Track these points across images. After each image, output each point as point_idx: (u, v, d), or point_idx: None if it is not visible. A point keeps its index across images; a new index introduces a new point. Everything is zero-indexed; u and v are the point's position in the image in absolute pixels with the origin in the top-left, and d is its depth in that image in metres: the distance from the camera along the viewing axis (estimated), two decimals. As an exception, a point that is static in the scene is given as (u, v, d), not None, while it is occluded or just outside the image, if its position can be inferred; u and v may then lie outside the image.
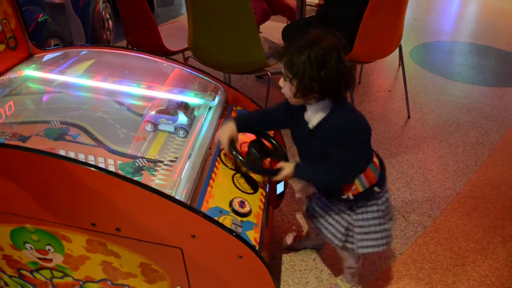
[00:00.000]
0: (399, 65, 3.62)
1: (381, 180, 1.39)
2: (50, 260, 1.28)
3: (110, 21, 3.22)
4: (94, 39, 3.02)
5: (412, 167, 2.42)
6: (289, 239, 1.87)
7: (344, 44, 1.23)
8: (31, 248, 1.25)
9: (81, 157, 1.30)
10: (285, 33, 2.75)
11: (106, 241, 1.18)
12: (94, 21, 2.97)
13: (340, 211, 1.42)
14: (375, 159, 1.37)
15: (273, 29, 4.05)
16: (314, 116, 1.28)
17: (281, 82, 1.27)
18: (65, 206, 1.15)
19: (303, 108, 1.31)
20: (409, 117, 2.89)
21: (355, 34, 2.31)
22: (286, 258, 1.85)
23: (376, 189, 1.37)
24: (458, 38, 4.51)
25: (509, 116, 2.97)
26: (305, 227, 1.96)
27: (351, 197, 1.36)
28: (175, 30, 2.89)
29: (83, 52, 1.80)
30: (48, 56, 1.76)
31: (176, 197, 1.15)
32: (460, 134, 2.74)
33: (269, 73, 2.33)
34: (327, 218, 1.45)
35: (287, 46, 1.24)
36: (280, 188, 1.67)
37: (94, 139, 1.38)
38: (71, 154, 1.30)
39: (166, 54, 2.52)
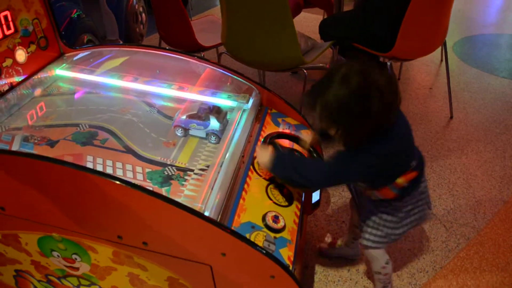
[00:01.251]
0: (441, 60, 3.43)
1: (405, 195, 1.28)
2: (77, 269, 1.25)
3: (143, 14, 3.18)
4: (128, 33, 2.99)
5: (455, 172, 2.27)
6: (323, 245, 1.79)
7: (375, 63, 1.09)
8: (58, 256, 1.23)
9: (109, 163, 1.25)
10: (323, 27, 2.63)
11: (133, 254, 1.14)
12: (128, 15, 2.94)
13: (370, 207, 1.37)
14: (400, 180, 1.23)
15: (308, 22, 3.92)
16: None
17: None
18: (91, 218, 1.10)
19: None
20: (451, 117, 2.72)
21: (398, 28, 2.17)
22: (319, 267, 1.77)
23: (395, 203, 1.30)
24: (504, 30, 4.23)
25: None
26: (340, 234, 1.87)
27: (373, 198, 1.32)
28: (208, 24, 2.82)
29: (114, 51, 1.76)
30: (79, 55, 1.72)
31: (206, 213, 1.08)
32: (508, 136, 2.55)
33: (305, 71, 2.23)
34: (364, 207, 1.40)
35: (313, 94, 1.09)
36: (316, 196, 1.58)
37: (123, 144, 1.34)
38: (99, 161, 1.26)
39: (199, 49, 2.46)
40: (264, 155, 1.25)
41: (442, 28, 2.32)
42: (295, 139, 1.45)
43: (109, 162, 1.25)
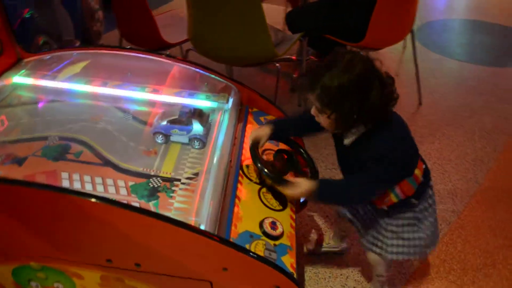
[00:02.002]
0: (404, 47, 3.48)
1: (421, 191, 1.27)
2: (60, 297, 1.14)
3: (100, 12, 3.00)
4: (85, 32, 2.80)
5: (430, 158, 2.30)
6: (310, 244, 1.75)
7: (373, 59, 1.09)
8: (37, 285, 1.12)
9: (87, 179, 1.15)
10: (291, 18, 2.58)
11: (124, 276, 1.05)
12: (83, 13, 2.76)
13: (372, 213, 1.35)
14: (417, 171, 1.24)
15: (270, 14, 3.85)
16: (348, 136, 1.16)
17: (314, 112, 1.13)
18: (76, 242, 1.00)
19: None
20: (420, 103, 2.76)
21: (369, 17, 2.16)
22: (308, 265, 1.73)
23: (413, 200, 1.28)
24: (460, 15, 4.36)
25: (523, 98, 2.87)
26: (324, 229, 1.85)
27: (385, 208, 1.28)
28: (170, 19, 2.69)
29: (77, 54, 1.62)
30: (39, 59, 1.57)
31: (201, 226, 1.01)
32: (475, 119, 2.63)
33: (277, 65, 2.17)
34: (359, 217, 1.39)
35: (314, 76, 1.08)
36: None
37: (100, 156, 1.23)
38: (75, 177, 1.15)
39: (164, 47, 2.34)
40: (299, 188, 1.16)
41: (411, 15, 2.33)
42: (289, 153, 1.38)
43: (87, 178, 1.15)
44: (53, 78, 1.51)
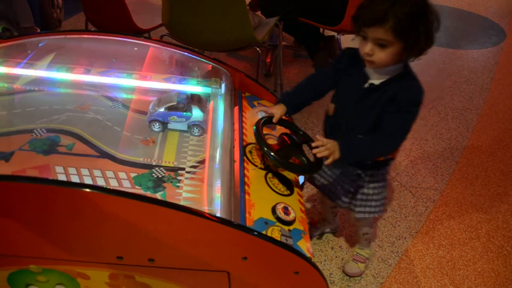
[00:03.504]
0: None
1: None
2: (60, 300, 1.05)
3: (59, -3, 2.81)
4: (44, 19, 2.61)
5: (408, 139, 2.35)
6: (303, 230, 1.75)
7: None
8: (35, 290, 1.02)
9: (85, 173, 1.06)
10: (266, 3, 2.53)
11: (135, 273, 0.98)
12: (42, -1, 2.57)
13: (345, 177, 1.38)
14: None
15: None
16: (380, 73, 1.16)
17: (371, 50, 1.10)
18: (83, 241, 0.92)
19: (359, 63, 1.18)
20: (393, 86, 2.81)
21: (345, 1, 2.15)
22: (302, 250, 1.72)
23: (391, 162, 1.36)
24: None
25: (487, 79, 2.99)
26: (314, 212, 1.84)
27: (369, 162, 1.33)
28: (140, 5, 2.56)
29: (52, 39, 1.49)
30: (7, 47, 1.43)
31: (217, 215, 0.96)
32: (446, 100, 2.72)
33: (258, 49, 2.13)
34: (334, 183, 1.42)
35: (378, 8, 1.05)
36: (300, 180, 1.52)
37: (94, 147, 1.14)
38: (71, 171, 1.06)
39: (137, 33, 2.22)
40: (330, 148, 1.13)
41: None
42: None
43: (84, 171, 1.06)
44: (29, 65, 1.38)
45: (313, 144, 1.14)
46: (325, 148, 1.11)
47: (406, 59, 1.14)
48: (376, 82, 1.17)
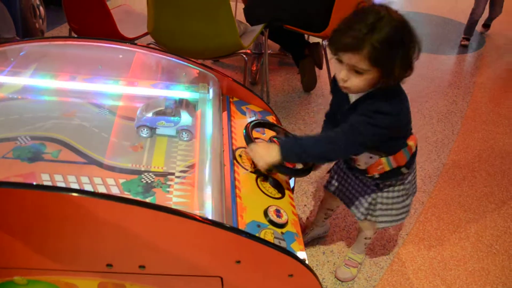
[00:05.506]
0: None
1: (411, 161, 1.32)
2: (47, 312, 1.02)
3: (41, 8, 2.77)
4: (26, 29, 2.58)
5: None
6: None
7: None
8: (21, 302, 0.98)
9: (72, 179, 1.03)
10: (250, 10, 2.54)
11: (125, 281, 0.95)
12: (24, 9, 2.53)
13: (365, 186, 1.37)
14: (411, 143, 1.27)
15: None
16: (358, 95, 1.15)
17: (346, 76, 1.06)
18: (69, 248, 0.89)
19: None
20: (379, 91, 2.84)
21: (331, 7, 2.18)
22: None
23: (404, 170, 1.32)
24: (402, 8, 4.56)
25: (469, 83, 3.05)
26: (303, 217, 1.83)
27: (377, 175, 1.31)
28: (124, 15, 2.55)
29: (34, 46, 1.46)
30: (-10, 54, 1.41)
31: (209, 218, 0.94)
32: (431, 104, 2.75)
33: (245, 56, 2.13)
34: (351, 191, 1.42)
35: (355, 35, 1.00)
36: (291, 183, 1.51)
37: (81, 154, 1.12)
38: (58, 178, 1.03)
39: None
40: (265, 151, 1.13)
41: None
42: (270, 125, 1.36)
43: (71, 178, 1.03)
44: (13, 73, 1.35)
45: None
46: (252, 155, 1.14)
47: (384, 84, 1.08)
48: (352, 100, 1.17)
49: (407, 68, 1.05)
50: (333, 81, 1.25)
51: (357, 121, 1.12)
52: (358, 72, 1.04)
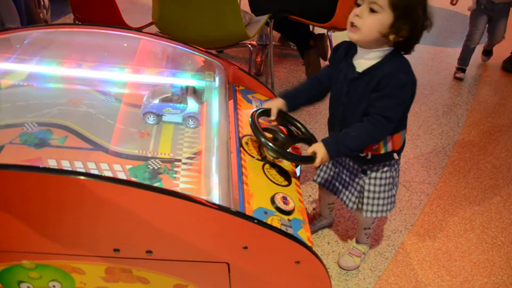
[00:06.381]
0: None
1: (402, 148, 1.33)
2: (54, 297, 1.02)
3: (45, -3, 2.77)
4: (30, 19, 2.57)
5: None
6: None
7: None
8: (28, 287, 0.99)
9: (78, 165, 1.03)
10: (255, 1, 2.52)
11: (132, 266, 0.96)
12: (28, -1, 2.53)
13: (352, 174, 1.37)
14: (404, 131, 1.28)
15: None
16: (366, 60, 1.15)
17: (360, 12, 1.09)
18: (78, 233, 0.89)
19: (351, 51, 1.19)
20: (384, 83, 2.82)
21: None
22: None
23: (395, 155, 1.32)
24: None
25: (475, 75, 3.03)
26: (309, 208, 1.83)
27: (369, 156, 1.30)
28: (129, 4, 2.53)
29: (41, 33, 1.46)
30: (-4, 41, 1.40)
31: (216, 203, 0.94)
32: (436, 96, 2.74)
33: (250, 47, 2.12)
34: (340, 180, 1.42)
35: None
36: (297, 172, 1.51)
37: (88, 140, 1.12)
38: (65, 163, 1.03)
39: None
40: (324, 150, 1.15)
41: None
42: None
43: (78, 164, 1.03)
44: (19, 60, 1.35)
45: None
46: (319, 159, 1.14)
47: (393, 42, 1.11)
48: (360, 70, 1.17)
49: (417, 27, 1.10)
50: (334, 51, 1.26)
51: (386, 107, 1.13)
52: (373, 10, 1.07)
